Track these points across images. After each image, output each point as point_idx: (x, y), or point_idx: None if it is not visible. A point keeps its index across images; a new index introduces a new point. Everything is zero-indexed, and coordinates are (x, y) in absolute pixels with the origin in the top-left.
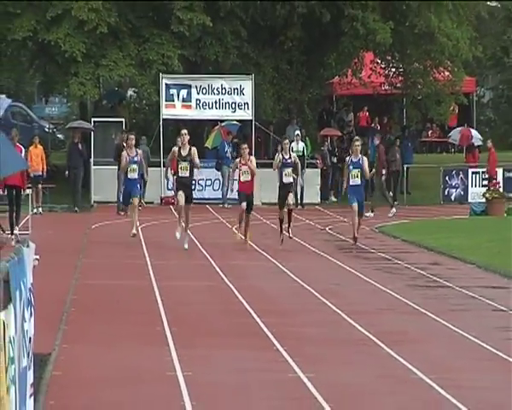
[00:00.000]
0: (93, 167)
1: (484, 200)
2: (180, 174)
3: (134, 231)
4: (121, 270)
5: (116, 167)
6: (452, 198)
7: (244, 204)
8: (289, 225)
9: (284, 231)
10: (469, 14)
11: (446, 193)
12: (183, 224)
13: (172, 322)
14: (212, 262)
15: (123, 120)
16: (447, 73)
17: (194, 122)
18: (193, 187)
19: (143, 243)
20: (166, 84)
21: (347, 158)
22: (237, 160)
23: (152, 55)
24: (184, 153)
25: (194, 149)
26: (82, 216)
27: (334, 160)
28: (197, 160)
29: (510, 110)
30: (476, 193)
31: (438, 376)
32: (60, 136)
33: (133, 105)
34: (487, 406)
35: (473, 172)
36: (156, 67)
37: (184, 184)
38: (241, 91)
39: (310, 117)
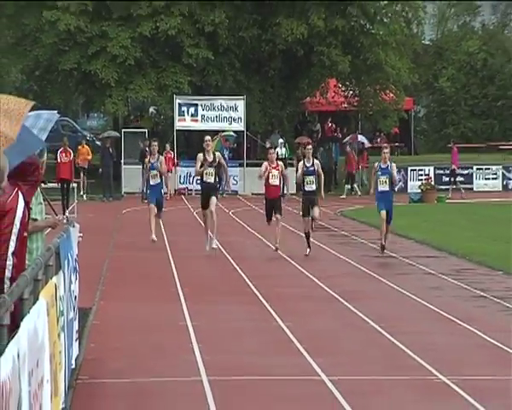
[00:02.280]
0: (123, 166)
1: (419, 191)
2: (205, 179)
3: (154, 236)
4: (144, 245)
5: (140, 166)
6: (396, 189)
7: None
8: (312, 228)
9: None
10: (408, 50)
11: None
12: (210, 229)
13: (184, 284)
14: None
15: (146, 130)
16: (391, 95)
17: (201, 132)
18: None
19: (161, 224)
20: (179, 103)
21: (376, 164)
22: (265, 163)
23: (168, 81)
24: (210, 158)
25: (218, 154)
26: (114, 204)
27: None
28: (223, 162)
29: (439, 123)
30: (413, 185)
31: (386, 324)
32: (98, 143)
33: (154, 119)
34: (424, 345)
35: (411, 170)
36: (171, 90)
37: (208, 189)
38: (235, 109)
39: (288, 128)
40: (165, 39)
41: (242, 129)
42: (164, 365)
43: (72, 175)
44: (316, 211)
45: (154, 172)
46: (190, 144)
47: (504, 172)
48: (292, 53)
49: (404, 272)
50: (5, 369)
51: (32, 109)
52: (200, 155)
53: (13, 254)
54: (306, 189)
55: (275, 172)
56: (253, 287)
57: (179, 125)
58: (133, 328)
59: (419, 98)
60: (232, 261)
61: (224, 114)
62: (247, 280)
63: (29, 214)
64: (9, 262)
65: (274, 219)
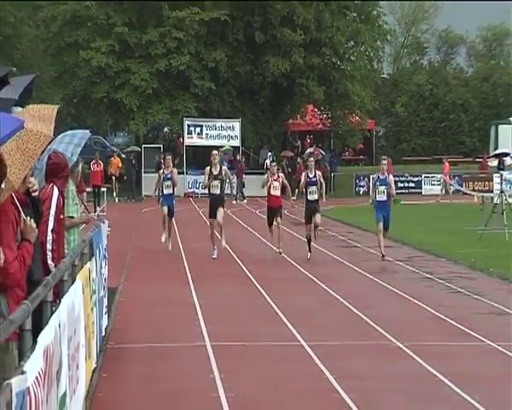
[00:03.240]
0: (143, 174)
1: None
2: (212, 191)
3: (163, 239)
4: (160, 238)
5: (157, 174)
6: (360, 193)
7: (272, 228)
8: (315, 237)
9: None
10: (370, 82)
11: (357, 190)
12: (218, 235)
13: (191, 269)
14: (216, 233)
15: (161, 145)
16: (357, 118)
17: (205, 147)
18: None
19: (174, 222)
20: (187, 124)
21: (374, 175)
22: (266, 176)
23: (179, 107)
24: (216, 172)
25: (224, 168)
26: (136, 205)
27: (289, 170)
28: (229, 174)
29: (395, 140)
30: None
31: (354, 301)
32: (123, 156)
33: (167, 137)
34: (383, 317)
35: (372, 177)
36: (181, 114)
37: (215, 201)
38: (232, 129)
39: (275, 144)
40: (177, 73)
41: (238, 145)
42: (175, 333)
43: (103, 181)
44: (318, 217)
45: (168, 182)
46: (197, 157)
47: (446, 178)
48: (278, 84)
49: (368, 259)
50: (49, 336)
51: (67, 129)
52: (207, 169)
53: (52, 230)
54: (309, 198)
55: (276, 183)
56: (247, 271)
57: (188, 142)
58: (151, 304)
59: (379, 120)
60: (230, 251)
61: (223, 133)
62: (242, 265)
63: (63, 201)
64: (49, 237)
65: (275, 223)
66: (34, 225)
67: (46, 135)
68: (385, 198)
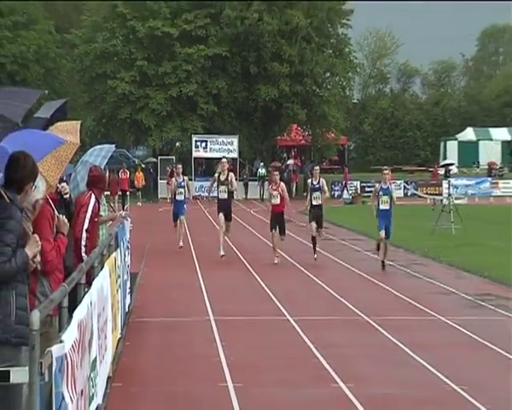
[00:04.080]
0: (159, 181)
1: (351, 197)
2: (220, 197)
3: (181, 243)
4: (173, 232)
5: (171, 181)
6: (335, 196)
7: (274, 232)
8: (320, 235)
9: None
10: (343, 106)
11: (333, 193)
12: (224, 238)
13: (198, 257)
14: (217, 227)
15: (173, 157)
16: (333, 135)
17: (209, 159)
18: (232, 207)
19: (184, 220)
20: (195, 140)
21: (377, 185)
22: (270, 186)
23: (188, 126)
24: (223, 178)
25: (231, 175)
26: (153, 205)
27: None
28: (235, 183)
29: (363, 153)
30: (346, 193)
31: (330, 283)
32: (142, 165)
33: (179, 150)
34: (354, 297)
35: (345, 183)
36: (190, 131)
37: (223, 206)
38: (231, 143)
39: (265, 156)
40: (186, 98)
41: (236, 157)
42: (185, 309)
43: (129, 187)
44: (321, 231)
45: (180, 189)
46: (203, 167)
47: (405, 184)
48: (268, 108)
49: (341, 249)
50: (82, 312)
51: (97, 144)
52: (216, 175)
53: (86, 230)
54: (313, 203)
55: (275, 192)
56: (242, 258)
57: (195, 154)
58: (165, 286)
59: (350, 137)
60: (229, 242)
61: (224, 147)
62: (238, 254)
63: (99, 207)
64: (84, 236)
65: (279, 236)
66: (66, 221)
67: (74, 143)
68: (388, 207)
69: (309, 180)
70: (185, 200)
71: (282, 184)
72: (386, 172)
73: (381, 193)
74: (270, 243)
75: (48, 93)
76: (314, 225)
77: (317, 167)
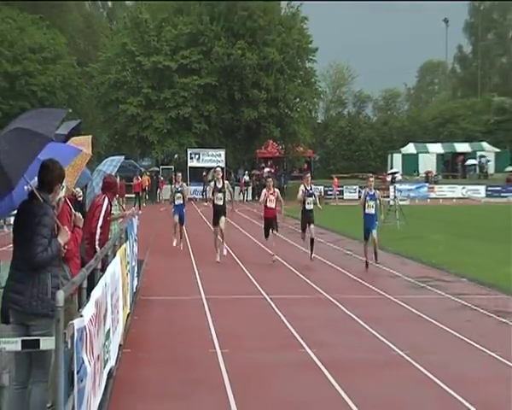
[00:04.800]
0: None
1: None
2: (216, 202)
3: (174, 244)
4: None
5: (169, 185)
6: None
7: (267, 237)
8: (312, 249)
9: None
10: (310, 125)
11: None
12: (220, 239)
13: (194, 249)
14: (219, 237)
15: (172, 166)
16: (301, 149)
17: (202, 168)
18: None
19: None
20: (190, 153)
21: (364, 190)
22: (264, 190)
23: (184, 141)
24: (219, 185)
25: (227, 183)
26: (156, 205)
27: (257, 182)
28: (231, 190)
29: (326, 163)
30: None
31: (300, 269)
32: (148, 173)
33: (177, 161)
34: (320, 280)
35: (314, 189)
36: (186, 146)
37: (219, 211)
38: (220, 155)
39: (247, 166)
40: (183, 119)
41: (223, 166)
42: (182, 289)
43: (141, 190)
44: (312, 229)
45: (179, 194)
46: (196, 174)
47: (359, 188)
48: (249, 127)
49: (319, 247)
50: (98, 292)
51: (111, 155)
52: (212, 183)
53: (100, 227)
54: (306, 207)
55: (272, 197)
56: (232, 253)
57: (190, 164)
58: (166, 270)
59: (316, 150)
60: (220, 238)
61: (213, 158)
62: (229, 249)
63: (111, 208)
64: (98, 231)
65: (271, 234)
66: (81, 217)
67: (87, 154)
68: (373, 212)
69: (301, 186)
70: (184, 204)
71: (277, 190)
72: (371, 179)
73: (367, 198)
74: (260, 243)
75: (71, 113)
76: (306, 231)
77: (309, 175)
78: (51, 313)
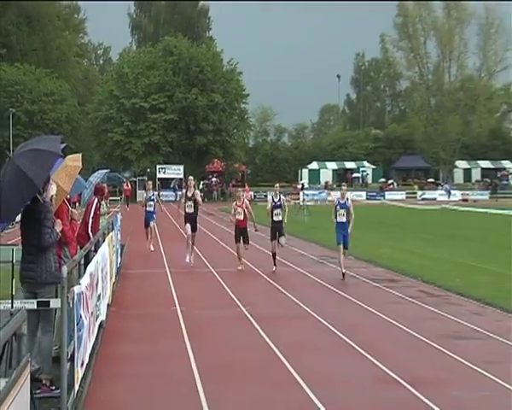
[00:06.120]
0: (137, 191)
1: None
2: (187, 210)
3: (151, 247)
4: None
5: (143, 191)
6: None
7: (238, 244)
8: (275, 259)
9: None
10: (244, 148)
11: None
12: (191, 246)
13: (162, 236)
14: (183, 233)
15: (146, 177)
16: (237, 165)
17: (168, 179)
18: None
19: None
20: (159, 167)
21: (335, 199)
22: (233, 204)
23: (155, 159)
24: (190, 194)
25: (197, 192)
26: (132, 207)
27: (206, 189)
28: (199, 199)
29: (255, 175)
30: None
31: (264, 269)
32: (129, 182)
33: (149, 173)
34: (280, 279)
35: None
36: (156, 162)
37: (190, 219)
38: (179, 170)
39: (200, 177)
40: (154, 144)
41: (182, 177)
42: (153, 265)
43: (131, 194)
44: (282, 239)
45: (150, 202)
46: (164, 184)
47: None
48: (201, 149)
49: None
50: (92, 266)
51: (100, 169)
52: (184, 192)
53: (92, 217)
54: (274, 219)
55: (239, 209)
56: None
57: (159, 176)
58: (141, 252)
59: (248, 165)
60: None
61: (175, 172)
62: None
63: (100, 205)
64: (90, 220)
65: (242, 245)
66: (77, 213)
67: (78, 166)
68: (344, 220)
69: (269, 197)
70: (155, 210)
71: (246, 200)
72: (344, 188)
73: (338, 207)
74: (235, 252)
75: (73, 140)
76: (275, 242)
77: (277, 185)
78: (56, 281)
